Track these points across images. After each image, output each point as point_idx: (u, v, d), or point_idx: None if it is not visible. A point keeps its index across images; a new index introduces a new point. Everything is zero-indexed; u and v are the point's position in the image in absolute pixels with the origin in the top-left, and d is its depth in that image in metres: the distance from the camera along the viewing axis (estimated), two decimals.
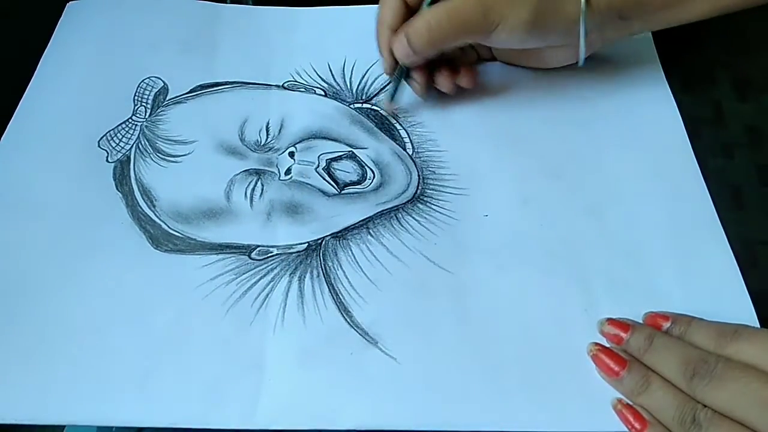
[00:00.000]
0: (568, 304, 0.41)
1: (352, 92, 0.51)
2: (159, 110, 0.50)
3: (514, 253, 0.43)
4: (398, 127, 0.50)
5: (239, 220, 0.44)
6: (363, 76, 0.52)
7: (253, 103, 0.51)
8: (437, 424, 0.37)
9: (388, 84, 0.50)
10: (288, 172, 0.47)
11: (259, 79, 0.52)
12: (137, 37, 0.54)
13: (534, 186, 0.46)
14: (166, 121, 0.50)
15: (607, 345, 0.39)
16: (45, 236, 0.43)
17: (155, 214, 0.45)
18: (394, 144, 0.49)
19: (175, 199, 0.45)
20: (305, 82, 0.52)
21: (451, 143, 0.48)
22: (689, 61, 0.51)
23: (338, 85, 0.52)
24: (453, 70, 0.49)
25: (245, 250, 0.43)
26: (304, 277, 0.42)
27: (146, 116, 0.50)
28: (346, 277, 0.42)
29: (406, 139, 0.49)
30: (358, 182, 0.46)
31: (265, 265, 0.42)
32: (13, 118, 0.49)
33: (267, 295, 0.41)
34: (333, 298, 0.41)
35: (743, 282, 0.41)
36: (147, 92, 0.51)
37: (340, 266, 0.42)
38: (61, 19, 0.56)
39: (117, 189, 0.46)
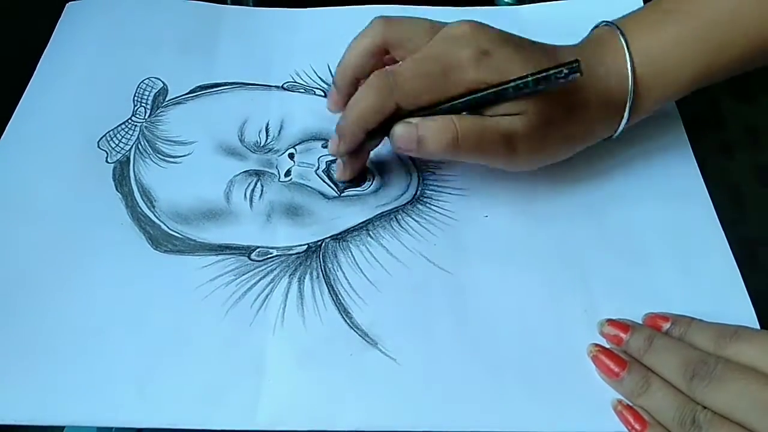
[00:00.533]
0: (568, 304, 0.41)
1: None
2: (159, 111, 0.50)
3: (514, 253, 0.43)
4: None
5: (239, 221, 0.44)
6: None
7: (253, 104, 0.51)
8: (437, 425, 0.37)
9: None
10: (288, 173, 0.47)
11: (258, 80, 0.52)
12: (137, 38, 0.54)
13: (534, 187, 0.46)
14: (165, 122, 0.49)
15: (607, 346, 0.39)
16: (44, 237, 0.43)
17: (155, 215, 0.45)
18: None
19: (175, 199, 0.45)
20: (305, 83, 0.52)
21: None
22: None
23: None
24: None
25: (245, 251, 0.43)
26: (304, 278, 0.42)
27: (146, 117, 0.50)
28: (346, 279, 0.42)
29: None
30: (358, 184, 0.46)
31: (265, 266, 0.42)
32: (12, 118, 0.49)
33: (267, 296, 0.41)
34: (333, 299, 0.41)
35: (743, 282, 0.41)
36: (147, 93, 0.51)
37: (340, 268, 0.42)
38: (60, 19, 0.56)
39: (117, 190, 0.46)
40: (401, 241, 0.43)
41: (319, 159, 0.47)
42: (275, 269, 0.42)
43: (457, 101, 0.40)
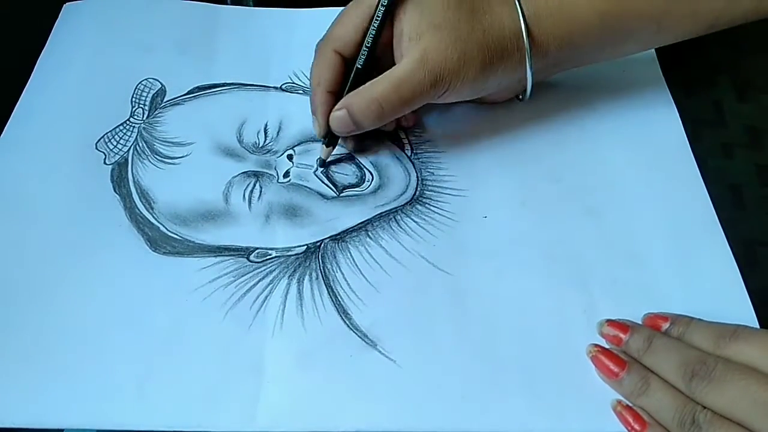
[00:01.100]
0: (568, 305, 0.41)
1: None
2: (157, 112, 0.50)
3: (513, 254, 0.43)
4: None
5: (238, 223, 0.44)
6: None
7: (251, 104, 0.50)
8: (437, 426, 0.37)
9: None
10: (287, 174, 0.47)
11: (257, 80, 0.52)
12: (134, 39, 0.54)
13: (533, 187, 0.46)
14: (163, 123, 0.49)
15: (607, 346, 0.39)
16: (42, 239, 0.43)
17: (153, 217, 0.44)
18: (393, 145, 0.48)
19: (174, 201, 0.45)
20: (303, 84, 0.52)
21: (450, 144, 0.48)
22: (689, 62, 0.51)
23: None
24: None
25: (244, 252, 0.43)
26: (303, 279, 0.42)
27: (144, 118, 0.50)
28: (345, 280, 0.42)
29: (405, 140, 0.49)
30: (357, 185, 0.46)
31: (264, 267, 0.42)
32: (9, 120, 0.49)
33: (266, 297, 0.41)
34: (332, 300, 0.41)
35: (743, 282, 0.41)
36: (144, 94, 0.51)
37: (339, 269, 0.42)
38: (57, 20, 0.56)
39: (115, 191, 0.46)
40: (400, 242, 0.43)
41: (317, 160, 0.47)
42: (274, 270, 0.42)
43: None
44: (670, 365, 0.36)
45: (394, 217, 0.45)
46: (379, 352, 0.39)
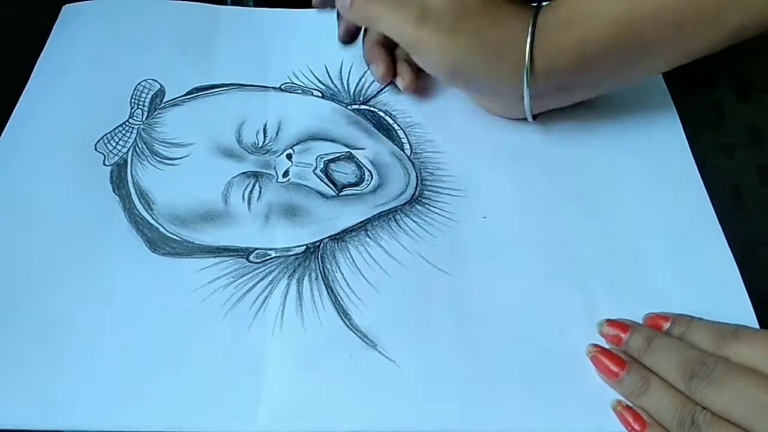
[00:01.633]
0: (568, 305, 0.41)
1: (349, 94, 0.51)
2: (156, 113, 0.50)
3: (513, 254, 0.43)
4: (396, 127, 0.49)
5: (237, 223, 0.44)
6: (360, 78, 0.52)
7: (250, 105, 0.50)
8: (437, 426, 0.36)
9: (385, 87, 0.51)
10: (286, 174, 0.47)
11: (256, 81, 0.52)
12: (133, 40, 0.54)
13: (533, 187, 0.46)
14: (163, 124, 0.49)
15: (607, 346, 0.38)
16: (42, 240, 0.43)
17: (153, 218, 0.44)
18: (392, 145, 0.48)
19: (173, 202, 0.45)
20: (302, 84, 0.52)
21: (450, 144, 0.48)
22: (689, 62, 0.51)
23: (335, 86, 0.52)
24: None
25: (243, 252, 0.43)
26: (303, 279, 0.42)
27: (143, 119, 0.50)
28: (345, 280, 0.41)
29: (404, 140, 0.49)
30: (356, 184, 0.46)
31: (264, 267, 0.42)
32: (9, 121, 0.49)
33: (265, 298, 0.41)
34: (332, 300, 0.41)
35: (742, 282, 0.41)
36: (144, 95, 0.51)
37: (339, 269, 0.42)
38: (57, 21, 0.56)
39: (114, 192, 0.46)
40: (400, 242, 0.43)
41: (317, 158, 0.47)
42: (274, 271, 0.42)
43: None
44: (669, 365, 0.36)
45: (394, 217, 0.45)
46: (379, 352, 0.39)
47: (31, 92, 0.51)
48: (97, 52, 0.54)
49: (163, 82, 0.52)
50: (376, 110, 0.50)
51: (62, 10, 0.56)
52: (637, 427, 0.35)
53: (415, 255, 0.43)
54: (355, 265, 0.42)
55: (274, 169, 0.47)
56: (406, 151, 0.48)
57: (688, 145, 0.47)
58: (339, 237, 0.44)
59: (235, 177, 0.46)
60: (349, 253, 0.43)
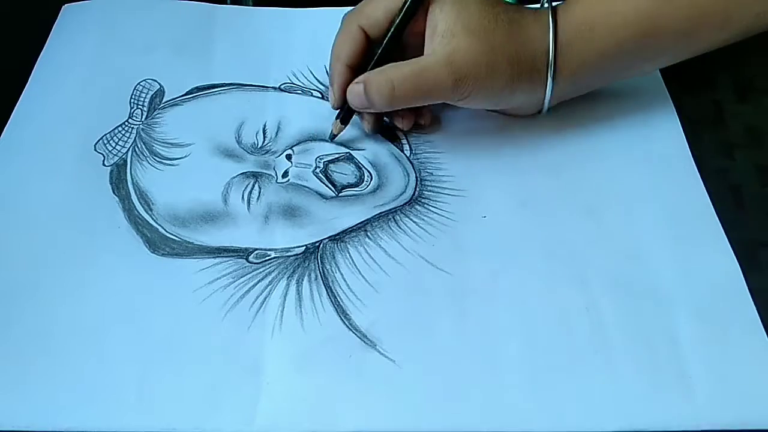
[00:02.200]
0: (567, 305, 0.40)
1: None
2: (155, 113, 0.50)
3: (513, 254, 0.43)
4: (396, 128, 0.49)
5: (237, 223, 0.44)
6: None
7: (250, 105, 0.50)
8: (437, 426, 0.36)
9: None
10: (285, 174, 0.46)
11: (255, 81, 0.52)
12: (133, 39, 0.54)
13: (533, 186, 0.46)
14: (162, 124, 0.49)
15: None
16: (41, 241, 0.43)
17: (152, 218, 0.44)
18: (392, 145, 0.48)
19: (172, 202, 0.45)
20: (302, 84, 0.52)
21: (449, 144, 0.48)
22: (689, 62, 0.51)
23: None
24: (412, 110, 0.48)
25: (243, 253, 0.43)
26: (302, 280, 0.42)
27: (142, 119, 0.50)
28: (344, 280, 0.41)
29: (404, 141, 0.49)
30: (356, 184, 0.46)
31: (263, 268, 0.42)
32: (9, 121, 0.49)
33: (265, 298, 0.41)
34: (331, 301, 0.41)
35: (745, 282, 0.41)
36: (143, 95, 0.51)
37: (338, 269, 0.42)
38: (56, 21, 0.56)
39: (114, 193, 0.46)
40: (399, 242, 0.43)
41: (316, 159, 0.47)
42: (273, 271, 0.42)
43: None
44: None
45: (394, 218, 0.45)
46: (379, 352, 0.39)
47: (31, 92, 0.51)
48: (97, 51, 0.54)
49: (162, 82, 0.52)
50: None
51: (62, 9, 0.56)
52: None
53: (414, 255, 0.43)
54: (355, 265, 0.42)
55: (274, 169, 0.47)
56: (405, 151, 0.48)
57: (687, 145, 0.47)
58: (338, 238, 0.44)
59: (234, 177, 0.46)
60: (349, 253, 0.43)
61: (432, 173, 0.47)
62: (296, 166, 0.47)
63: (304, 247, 0.43)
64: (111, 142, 0.48)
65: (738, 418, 0.36)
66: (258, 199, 0.45)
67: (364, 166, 0.47)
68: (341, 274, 0.42)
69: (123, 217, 0.44)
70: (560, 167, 0.47)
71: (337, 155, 0.48)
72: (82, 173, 0.46)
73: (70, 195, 0.45)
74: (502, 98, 0.45)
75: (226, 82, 0.52)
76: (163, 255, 0.43)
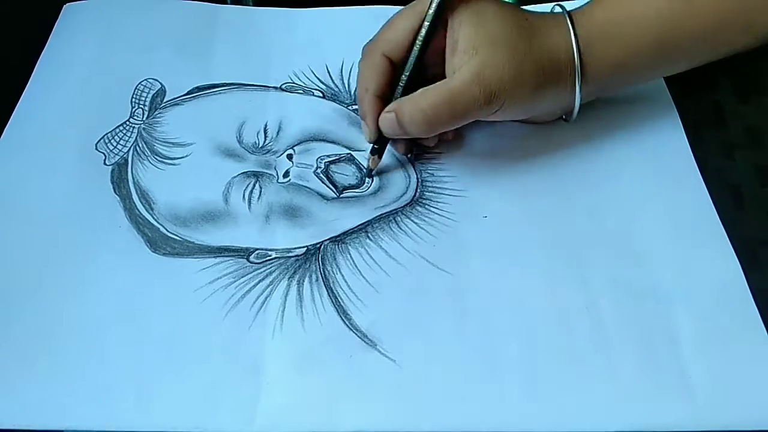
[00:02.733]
0: (568, 305, 0.41)
1: (350, 94, 0.51)
2: (156, 112, 0.50)
3: (513, 254, 0.43)
4: None
5: (237, 223, 0.44)
6: None
7: (251, 104, 0.50)
8: (437, 426, 0.37)
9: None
10: (286, 174, 0.46)
11: (256, 80, 0.52)
12: (134, 39, 0.54)
13: (533, 187, 0.46)
14: (163, 124, 0.49)
15: None
16: (42, 240, 0.43)
17: (153, 218, 0.44)
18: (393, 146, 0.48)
19: (173, 202, 0.45)
20: (303, 84, 0.52)
21: (449, 145, 0.48)
22: None
23: (336, 86, 0.52)
24: None
25: (244, 253, 0.43)
26: (303, 280, 0.42)
27: (144, 118, 0.50)
28: (345, 281, 0.41)
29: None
30: (357, 186, 0.46)
31: (264, 268, 0.42)
32: (10, 120, 0.49)
33: (266, 298, 0.41)
34: (332, 301, 0.41)
35: (746, 281, 0.41)
36: (144, 94, 0.51)
37: (339, 270, 0.42)
38: (58, 20, 0.56)
39: (115, 192, 0.46)
40: (400, 243, 0.43)
41: (317, 160, 0.47)
42: (274, 271, 0.42)
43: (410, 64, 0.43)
44: None
45: (394, 219, 0.45)
46: (379, 352, 0.39)
47: (32, 91, 0.51)
48: (98, 51, 0.53)
49: (163, 82, 0.52)
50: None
51: (63, 8, 0.56)
52: None
53: (415, 255, 0.43)
54: (356, 266, 0.42)
55: (275, 169, 0.47)
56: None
57: (689, 145, 0.47)
58: (339, 239, 0.44)
59: (235, 177, 0.46)
60: (350, 254, 0.43)
61: (433, 174, 0.47)
62: (297, 166, 0.47)
63: (306, 248, 0.43)
64: (112, 141, 0.48)
65: (738, 419, 0.36)
66: (259, 198, 0.45)
67: (365, 167, 0.47)
68: (342, 275, 0.42)
69: (124, 217, 0.44)
70: (561, 167, 0.47)
71: (338, 156, 0.48)
72: (83, 172, 0.47)
73: (71, 194, 0.45)
74: (531, 107, 0.44)
75: (227, 81, 0.52)
76: (163, 254, 0.43)
